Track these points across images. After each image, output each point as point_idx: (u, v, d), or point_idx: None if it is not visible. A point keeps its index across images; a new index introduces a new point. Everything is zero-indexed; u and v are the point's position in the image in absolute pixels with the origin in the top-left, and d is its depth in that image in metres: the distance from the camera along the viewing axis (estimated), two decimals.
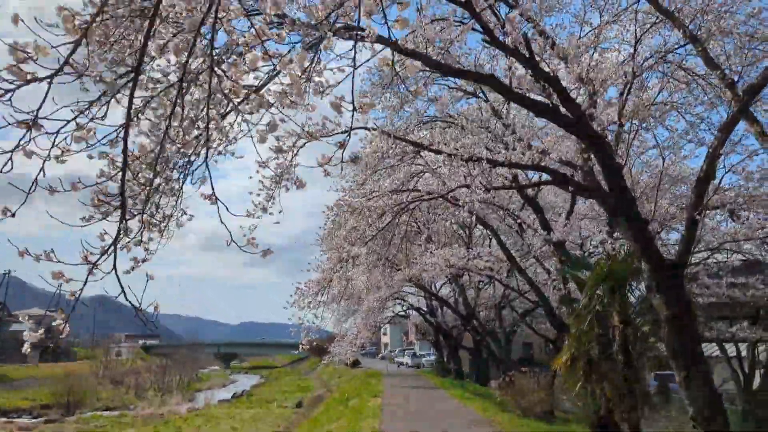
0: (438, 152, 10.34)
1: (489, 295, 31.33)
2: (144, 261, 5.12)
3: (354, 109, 3.66)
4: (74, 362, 74.49)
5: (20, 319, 77.43)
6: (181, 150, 4.78)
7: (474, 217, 19.68)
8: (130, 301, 3.78)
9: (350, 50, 3.91)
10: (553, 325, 16.85)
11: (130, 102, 3.78)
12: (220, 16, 3.51)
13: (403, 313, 46.43)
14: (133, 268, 5.05)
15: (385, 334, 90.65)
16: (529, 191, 15.82)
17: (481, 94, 13.66)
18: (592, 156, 10.19)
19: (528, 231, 19.69)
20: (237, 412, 39.13)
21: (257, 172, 8.00)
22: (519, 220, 18.93)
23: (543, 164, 10.39)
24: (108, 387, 58.35)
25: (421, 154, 17.42)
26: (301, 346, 13.71)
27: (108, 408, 47.52)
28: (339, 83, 4.47)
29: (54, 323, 4.21)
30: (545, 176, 12.33)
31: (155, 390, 59.54)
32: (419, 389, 26.41)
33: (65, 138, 3.94)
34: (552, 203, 21.04)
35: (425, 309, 40.94)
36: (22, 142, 3.50)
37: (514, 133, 11.47)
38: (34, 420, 39.49)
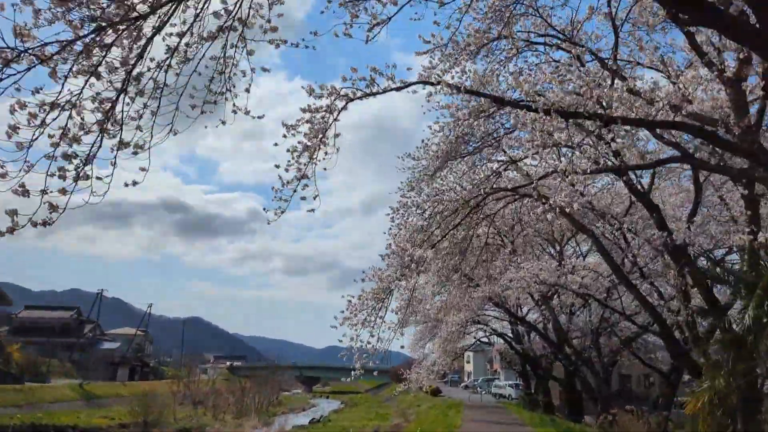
0: (527, 108, 7.37)
1: (584, 320, 27.44)
2: None
3: None
4: (160, 381, 74.84)
5: (111, 338, 78.79)
6: None
7: (566, 220, 16.37)
8: None
9: None
10: (673, 354, 13.18)
11: None
12: None
13: (486, 339, 42.64)
14: None
15: (468, 362, 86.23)
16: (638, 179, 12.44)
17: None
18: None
19: (635, 240, 16.17)
20: None
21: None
22: (623, 225, 15.41)
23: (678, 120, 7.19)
24: (188, 407, 57.46)
25: (504, 147, 14.46)
26: (353, 373, 10.82)
27: (185, 429, 46.30)
28: None
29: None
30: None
31: (233, 412, 58.26)
32: (503, 425, 22.89)
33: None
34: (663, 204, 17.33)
35: (510, 335, 37.17)
36: None
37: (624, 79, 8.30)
38: None
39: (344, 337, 10.47)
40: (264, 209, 7.11)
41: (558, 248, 24.57)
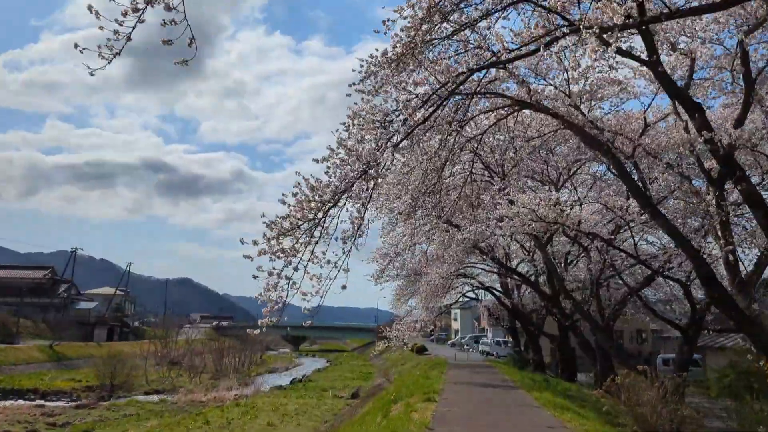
0: None
1: (583, 269, 24.30)
2: None
3: None
4: (139, 342, 71.76)
5: (88, 297, 75.34)
6: None
7: (575, 135, 12.88)
8: None
9: None
10: (716, 301, 9.77)
11: None
12: None
13: (473, 295, 39.54)
14: None
15: (455, 319, 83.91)
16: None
17: None
18: None
19: (656, 166, 12.77)
20: (284, 402, 33.72)
21: None
22: (641, 145, 11.91)
23: None
24: (166, 368, 54.51)
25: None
26: (257, 330, 7.30)
27: (157, 391, 43.34)
28: None
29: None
30: None
31: (211, 372, 55.49)
32: (490, 389, 19.69)
33: None
34: None
35: (499, 289, 34.05)
36: None
37: None
38: (69, 404, 35.45)
39: (261, 274, 6.99)
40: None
41: (559, 174, 21.25)
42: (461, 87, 10.57)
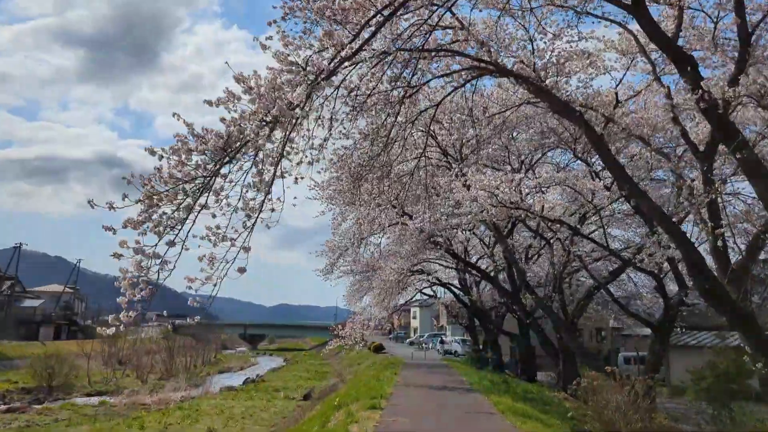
0: None
1: (546, 263, 22.88)
2: None
3: None
4: (89, 341, 68.10)
5: (34, 295, 71.30)
6: None
7: (544, 103, 11.21)
8: None
9: None
10: (704, 291, 8.15)
11: None
12: None
13: (431, 292, 37.84)
14: None
15: (414, 317, 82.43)
16: None
17: None
18: None
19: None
20: (231, 405, 31.50)
21: None
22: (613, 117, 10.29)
23: None
24: (113, 369, 51.41)
25: None
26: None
27: (100, 392, 40.42)
28: None
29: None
30: None
31: (160, 373, 52.74)
32: (445, 392, 17.94)
33: None
34: None
35: (458, 286, 32.47)
36: None
37: None
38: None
39: (126, 251, 5.04)
40: None
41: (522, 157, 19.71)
42: (409, 42, 8.82)
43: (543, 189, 14.26)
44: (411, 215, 20.26)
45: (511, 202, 12.57)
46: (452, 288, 33.00)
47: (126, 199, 5.07)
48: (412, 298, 31.54)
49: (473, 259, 28.23)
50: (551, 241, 20.35)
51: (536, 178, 15.99)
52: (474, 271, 26.74)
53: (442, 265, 28.95)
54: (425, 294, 36.46)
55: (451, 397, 16.34)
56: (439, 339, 55.56)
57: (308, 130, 6.53)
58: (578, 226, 15.61)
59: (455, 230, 21.50)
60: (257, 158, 5.46)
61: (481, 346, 36.62)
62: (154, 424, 25.77)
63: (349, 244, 21.26)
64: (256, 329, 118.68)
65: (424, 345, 58.15)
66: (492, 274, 24.74)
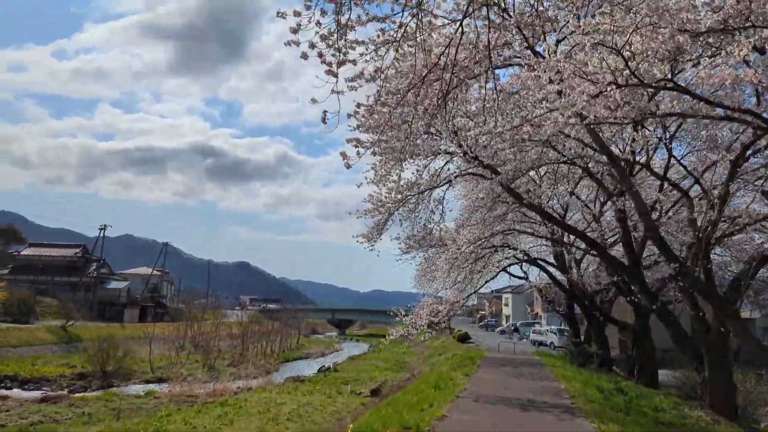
0: None
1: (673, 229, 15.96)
2: None
3: None
4: (172, 323, 66.34)
5: (121, 277, 70.63)
6: None
7: None
8: None
9: None
10: None
11: None
12: None
13: (521, 274, 30.98)
14: None
15: (506, 304, 75.26)
16: None
17: None
18: None
19: None
20: (282, 402, 26.52)
21: None
22: None
23: None
24: (177, 353, 48.38)
25: None
26: None
27: (160, 379, 37.04)
28: None
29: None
30: None
31: (231, 359, 49.36)
32: (531, 413, 11.45)
33: None
34: None
35: (553, 263, 25.75)
36: None
37: None
38: (43, 393, 29.43)
39: None
40: None
41: None
42: None
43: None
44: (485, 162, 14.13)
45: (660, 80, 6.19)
46: (546, 266, 26.28)
47: None
48: (493, 278, 25.10)
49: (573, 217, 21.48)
50: (687, 192, 13.56)
51: None
52: (572, 241, 20.05)
53: (530, 234, 22.31)
54: (514, 276, 29.83)
55: (539, 424, 10.01)
56: (532, 329, 48.41)
57: None
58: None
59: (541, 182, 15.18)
60: None
61: (582, 338, 29.57)
62: (180, 425, 21.17)
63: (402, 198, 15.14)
64: (344, 314, 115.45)
65: (515, 335, 51.34)
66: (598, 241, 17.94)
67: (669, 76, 7.69)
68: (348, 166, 9.56)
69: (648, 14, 6.43)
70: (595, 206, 19.64)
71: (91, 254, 69.51)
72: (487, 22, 6.82)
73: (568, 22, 8.36)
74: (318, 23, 5.63)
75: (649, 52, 6.66)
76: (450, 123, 11.99)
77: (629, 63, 6.59)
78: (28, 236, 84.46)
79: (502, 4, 7.65)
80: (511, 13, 7.73)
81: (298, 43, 5.79)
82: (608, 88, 7.49)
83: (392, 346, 75.15)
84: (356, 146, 11.27)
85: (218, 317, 61.08)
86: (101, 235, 67.67)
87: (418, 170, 15.55)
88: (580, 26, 6.86)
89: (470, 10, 6.44)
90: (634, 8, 6.49)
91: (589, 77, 7.25)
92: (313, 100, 6.12)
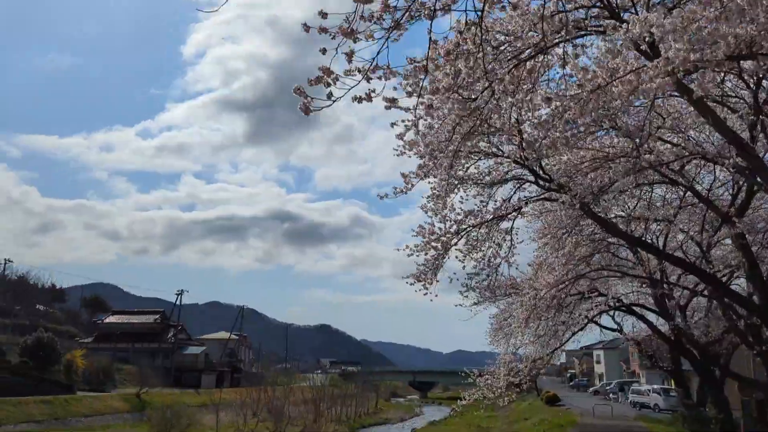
0: None
1: None
2: None
3: None
4: (247, 389, 64.58)
5: (199, 342, 70.11)
6: None
7: None
8: None
9: None
10: None
11: None
12: None
13: (615, 326, 26.81)
14: None
15: (598, 362, 68.93)
16: None
17: None
18: None
19: None
20: None
21: None
22: None
23: None
24: (244, 419, 46.05)
25: None
26: None
27: None
28: None
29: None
30: None
31: (302, 425, 46.57)
32: None
33: None
34: None
35: (654, 309, 21.82)
36: None
37: None
38: None
39: None
40: None
41: None
42: None
43: None
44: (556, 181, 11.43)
45: None
46: (643, 314, 22.35)
47: None
48: (581, 329, 21.30)
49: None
50: None
51: None
52: (677, 279, 16.38)
53: (622, 274, 18.65)
54: (606, 328, 25.87)
55: None
56: (632, 388, 42.81)
57: None
58: None
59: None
60: None
61: (695, 399, 24.89)
62: None
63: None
64: (424, 376, 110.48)
65: (611, 396, 45.83)
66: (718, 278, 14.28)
67: None
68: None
69: None
70: (702, 236, 16.03)
71: (170, 320, 69.67)
72: None
73: None
74: None
75: None
76: (514, 126, 9.37)
77: None
78: (122, 305, 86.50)
79: None
80: None
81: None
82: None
83: (474, 410, 70.15)
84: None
85: (292, 381, 58.83)
86: (178, 301, 67.85)
87: (479, 196, 12.86)
88: None
89: None
90: None
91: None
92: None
